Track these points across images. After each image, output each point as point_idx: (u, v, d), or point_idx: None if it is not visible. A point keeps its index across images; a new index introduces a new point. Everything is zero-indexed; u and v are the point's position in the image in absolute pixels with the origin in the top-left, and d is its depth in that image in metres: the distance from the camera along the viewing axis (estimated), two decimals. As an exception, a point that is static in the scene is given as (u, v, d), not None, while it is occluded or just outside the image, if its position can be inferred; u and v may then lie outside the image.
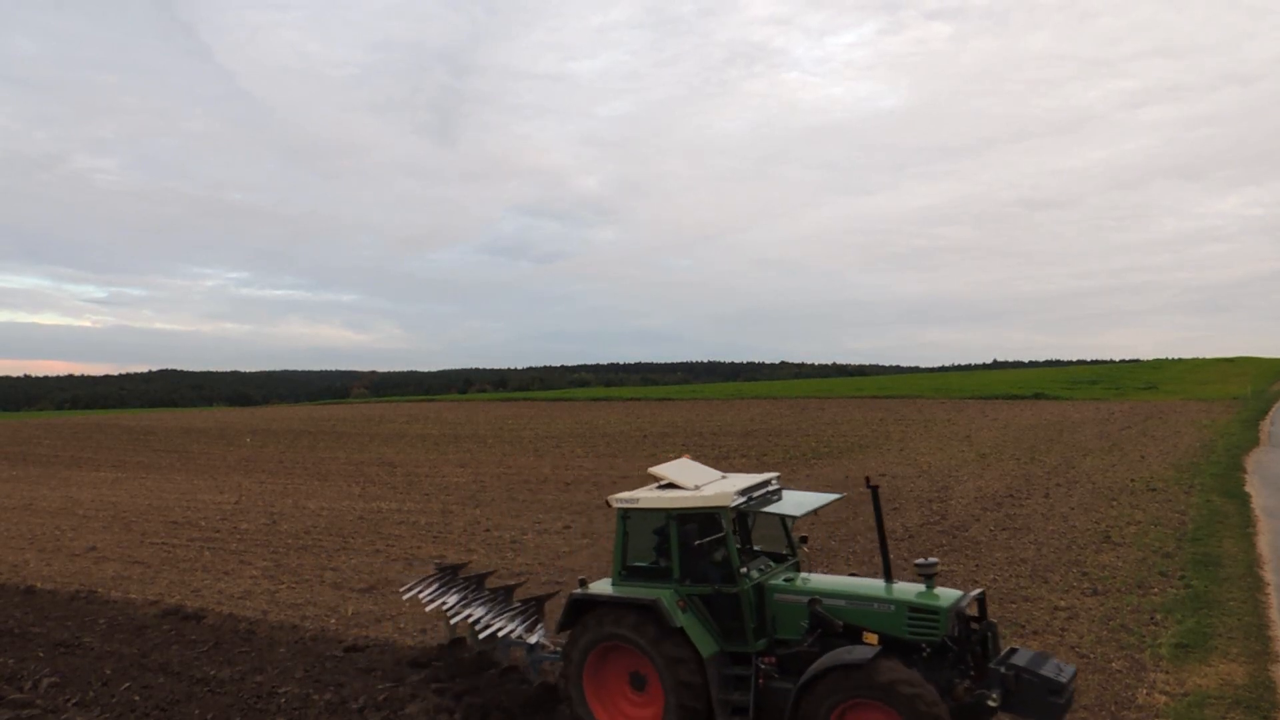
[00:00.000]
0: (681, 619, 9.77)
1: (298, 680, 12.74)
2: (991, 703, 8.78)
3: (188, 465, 45.67)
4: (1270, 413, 48.36)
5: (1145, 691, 10.94)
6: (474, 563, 16.74)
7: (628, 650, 10.14)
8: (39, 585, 19.53)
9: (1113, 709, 10.46)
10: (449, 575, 13.85)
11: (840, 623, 9.48)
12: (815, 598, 9.63)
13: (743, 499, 10.14)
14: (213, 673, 13.22)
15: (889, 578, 9.97)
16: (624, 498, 10.57)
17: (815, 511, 10.47)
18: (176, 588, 18.87)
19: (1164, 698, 10.72)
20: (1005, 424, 48.10)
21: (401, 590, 13.86)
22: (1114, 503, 23.54)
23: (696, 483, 10.70)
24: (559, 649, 11.68)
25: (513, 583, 14.36)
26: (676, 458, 11.99)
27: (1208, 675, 11.34)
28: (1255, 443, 35.67)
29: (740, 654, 9.90)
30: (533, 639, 12.29)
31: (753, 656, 9.76)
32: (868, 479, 10.38)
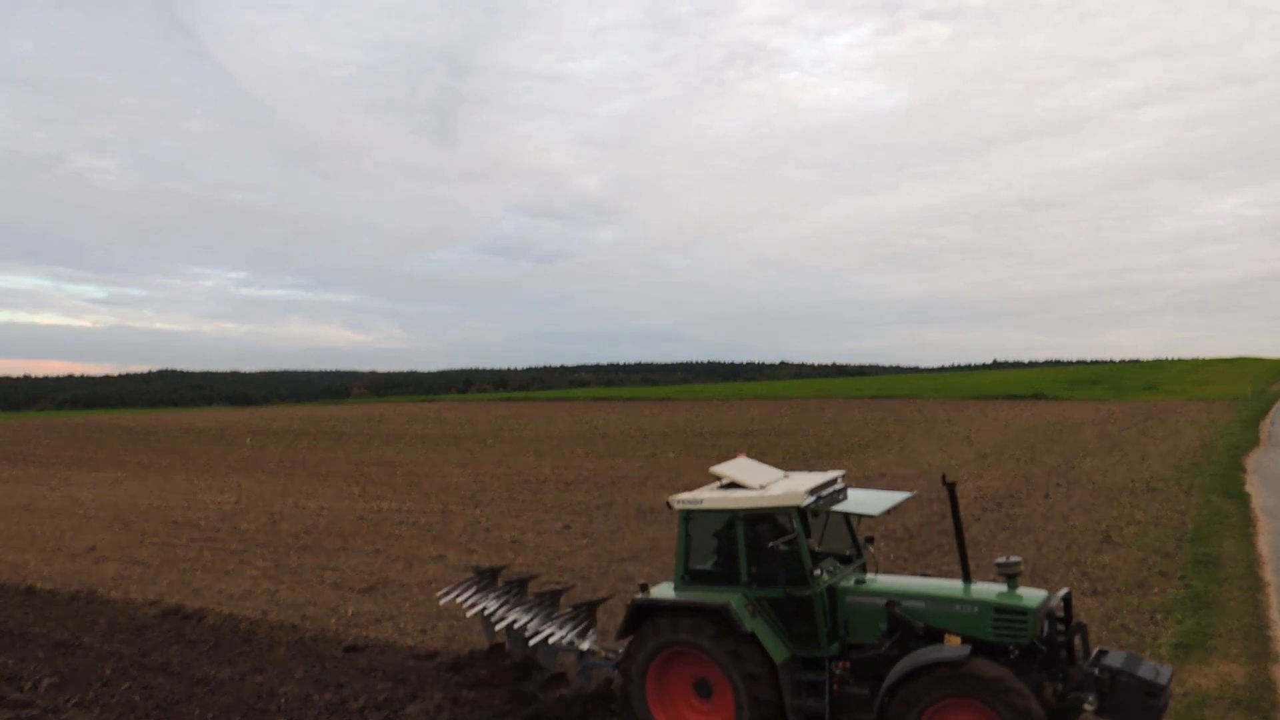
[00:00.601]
0: (752, 623, 9.45)
1: (298, 680, 12.74)
2: (1088, 706, 8.52)
3: (188, 465, 45.67)
4: (1270, 413, 48.36)
5: (1145, 691, 10.92)
6: (509, 566, 16.56)
7: (693, 657, 9.80)
8: (39, 585, 19.53)
9: (1113, 709, 10.45)
10: (487, 579, 13.50)
11: (921, 625, 9.16)
12: (894, 599, 9.30)
13: (812, 498, 9.75)
14: (213, 673, 13.21)
15: (967, 578, 9.65)
16: (686, 498, 10.19)
17: (889, 511, 10.11)
18: (176, 588, 18.87)
19: (1164, 698, 10.71)
20: (1005, 424, 48.11)
21: (439, 594, 13.61)
22: (1114, 503, 23.54)
23: (761, 482, 10.35)
24: (611, 655, 11.37)
25: (558, 587, 14.01)
26: (733, 457, 11.52)
27: (1208, 675, 11.33)
28: (1255, 443, 35.67)
29: (810, 659, 9.57)
30: (585, 645, 11.81)
31: (825, 661, 9.44)
32: (944, 476, 10.02)
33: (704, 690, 9.87)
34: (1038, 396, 67.92)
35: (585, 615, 12.77)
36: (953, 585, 9.63)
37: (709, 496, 10.10)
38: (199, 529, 26.08)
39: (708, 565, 10.25)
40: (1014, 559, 9.30)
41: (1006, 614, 8.90)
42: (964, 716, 8.30)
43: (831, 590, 9.65)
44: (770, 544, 9.53)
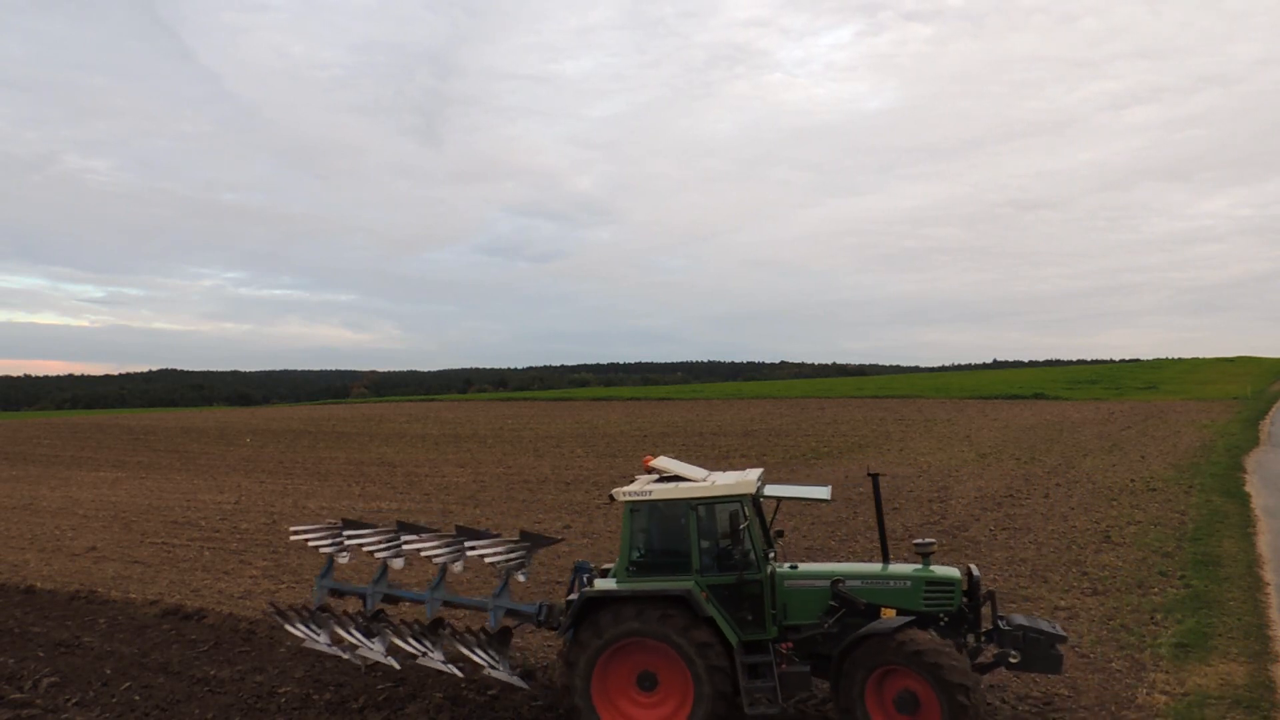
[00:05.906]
0: (709, 609, 9.83)
1: (298, 680, 12.74)
2: (1013, 659, 9.80)
3: (188, 465, 45.64)
4: (1270, 413, 48.38)
5: (1145, 691, 10.93)
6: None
7: (638, 648, 9.90)
8: (39, 585, 19.52)
9: (1113, 709, 10.46)
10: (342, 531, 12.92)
11: (863, 601, 10.01)
12: (840, 579, 10.12)
13: (760, 486, 10.42)
14: (213, 673, 13.21)
15: (887, 559, 10.78)
16: (632, 491, 10.37)
17: (822, 500, 11.30)
18: (176, 588, 18.87)
19: (1164, 698, 10.71)
20: (1005, 424, 48.10)
21: (292, 530, 13.30)
22: (1114, 503, 23.54)
23: (701, 475, 10.80)
24: (529, 606, 11.41)
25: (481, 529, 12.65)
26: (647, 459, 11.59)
27: (1208, 675, 11.34)
28: (1255, 443, 35.68)
29: (752, 642, 10.06)
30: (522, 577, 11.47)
31: (769, 644, 10.02)
32: (869, 468, 11.07)
33: (648, 683, 10.00)
34: (1038, 396, 67.91)
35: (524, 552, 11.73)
36: (874, 566, 10.61)
37: (657, 489, 10.31)
38: (199, 529, 26.07)
39: (653, 556, 10.50)
40: (928, 540, 10.47)
41: (937, 586, 10.08)
42: (904, 680, 9.23)
43: (771, 576, 10.27)
44: (741, 526, 10.11)
